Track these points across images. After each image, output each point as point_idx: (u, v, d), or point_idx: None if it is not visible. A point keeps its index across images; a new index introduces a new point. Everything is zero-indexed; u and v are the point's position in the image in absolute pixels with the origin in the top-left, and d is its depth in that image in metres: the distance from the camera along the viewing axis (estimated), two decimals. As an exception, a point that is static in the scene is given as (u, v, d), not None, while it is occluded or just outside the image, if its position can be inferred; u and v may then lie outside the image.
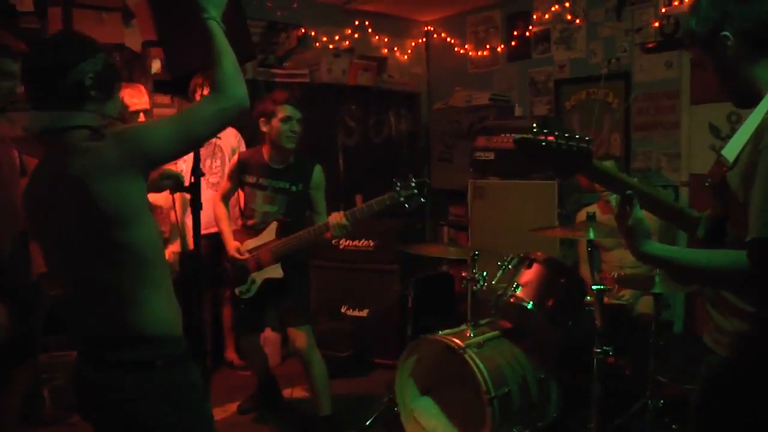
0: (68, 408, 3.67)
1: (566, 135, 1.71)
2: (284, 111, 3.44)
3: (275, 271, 3.50)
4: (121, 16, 4.54)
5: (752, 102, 1.65)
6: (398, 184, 3.25)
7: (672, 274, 2.04)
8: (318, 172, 3.59)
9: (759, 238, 1.48)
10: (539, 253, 3.51)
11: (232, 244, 3.54)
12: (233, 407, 4.07)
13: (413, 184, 3.23)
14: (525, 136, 1.74)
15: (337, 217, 3.28)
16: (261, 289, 3.53)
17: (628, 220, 1.68)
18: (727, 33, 1.64)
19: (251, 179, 3.56)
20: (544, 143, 1.71)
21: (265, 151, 3.55)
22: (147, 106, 3.85)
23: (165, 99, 4.75)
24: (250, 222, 3.59)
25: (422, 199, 3.24)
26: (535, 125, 1.77)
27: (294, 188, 3.53)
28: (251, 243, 3.53)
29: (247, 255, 3.50)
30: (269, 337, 4.74)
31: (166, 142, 1.75)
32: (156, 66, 4.60)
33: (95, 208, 1.65)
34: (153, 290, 1.78)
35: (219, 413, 3.88)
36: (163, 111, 4.68)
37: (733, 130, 1.69)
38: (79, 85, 1.74)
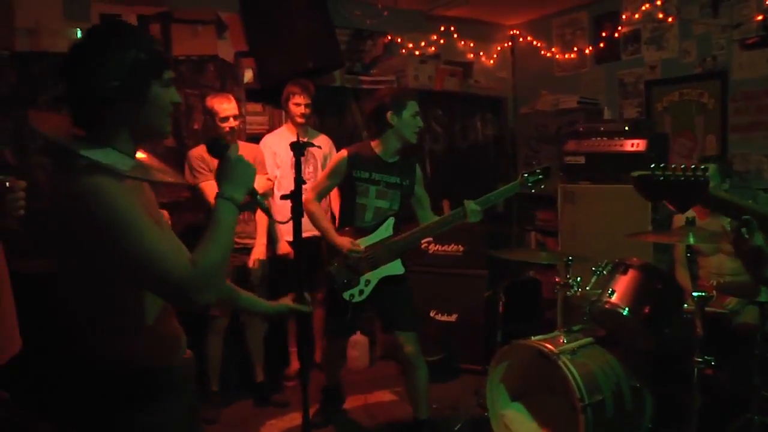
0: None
1: (683, 167, 1.72)
2: (415, 106, 3.46)
3: (396, 267, 3.47)
4: (214, 29, 4.71)
5: None
6: (525, 173, 3.52)
7: None
8: (418, 168, 3.64)
9: None
10: (635, 259, 3.42)
11: (341, 240, 3.39)
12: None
13: (538, 171, 3.52)
14: (643, 173, 1.77)
15: (472, 204, 3.34)
16: (375, 290, 3.45)
17: (746, 246, 1.66)
18: None
19: (364, 174, 3.46)
20: (662, 178, 1.73)
21: (375, 146, 3.50)
22: (236, 111, 3.97)
23: (257, 107, 4.90)
24: (361, 220, 3.49)
25: (542, 185, 3.55)
26: (653, 164, 1.78)
27: (405, 183, 3.52)
28: (364, 241, 3.42)
29: (363, 249, 3.39)
30: (359, 340, 4.81)
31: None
32: (248, 76, 4.78)
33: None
34: (115, 317, 1.59)
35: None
36: (255, 119, 4.84)
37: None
38: (100, 97, 1.52)
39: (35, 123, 2.36)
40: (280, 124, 4.66)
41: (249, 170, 1.69)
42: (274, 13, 4.59)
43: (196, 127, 4.47)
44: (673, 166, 1.74)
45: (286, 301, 2.16)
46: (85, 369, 1.59)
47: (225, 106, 3.89)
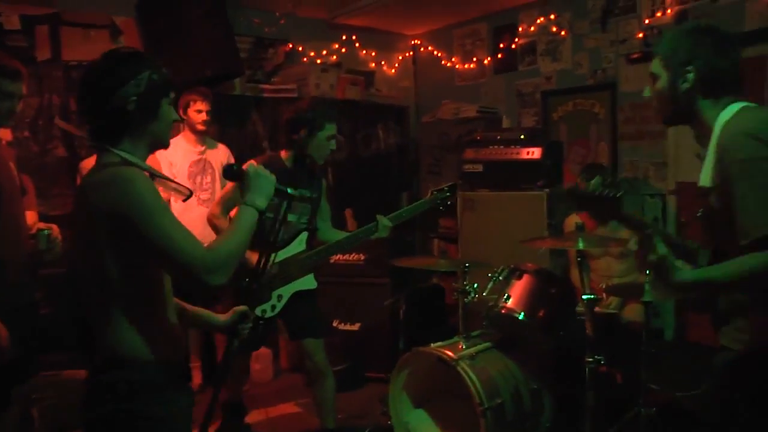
0: (58, 428, 3.63)
1: (608, 182, 2.05)
2: (332, 129, 3.38)
3: (309, 282, 3.44)
4: (109, 34, 4.56)
5: (667, 122, 2.12)
6: (434, 190, 3.67)
7: (709, 292, 2.11)
8: (323, 180, 3.62)
9: (760, 237, 1.68)
10: (529, 264, 3.51)
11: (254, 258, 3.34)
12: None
13: (446, 188, 3.68)
14: (571, 185, 2.17)
15: (384, 220, 3.38)
16: (287, 304, 3.38)
17: (651, 256, 1.80)
18: (690, 69, 1.93)
19: None
20: (589, 190, 2.18)
21: (285, 158, 3.41)
22: None
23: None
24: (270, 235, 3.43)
25: (449, 202, 3.71)
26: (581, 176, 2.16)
27: (314, 195, 3.43)
28: (277, 256, 3.30)
29: (275, 269, 3.29)
30: (262, 352, 4.73)
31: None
32: (144, 83, 4.61)
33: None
34: (127, 310, 1.73)
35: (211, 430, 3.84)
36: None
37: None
38: (119, 110, 1.73)
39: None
40: (175, 134, 4.52)
41: (269, 181, 1.93)
42: (172, 19, 4.46)
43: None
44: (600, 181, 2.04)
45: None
46: (109, 361, 1.73)
47: None
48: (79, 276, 1.79)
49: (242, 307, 2.18)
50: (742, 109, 1.89)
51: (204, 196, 4.31)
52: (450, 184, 3.71)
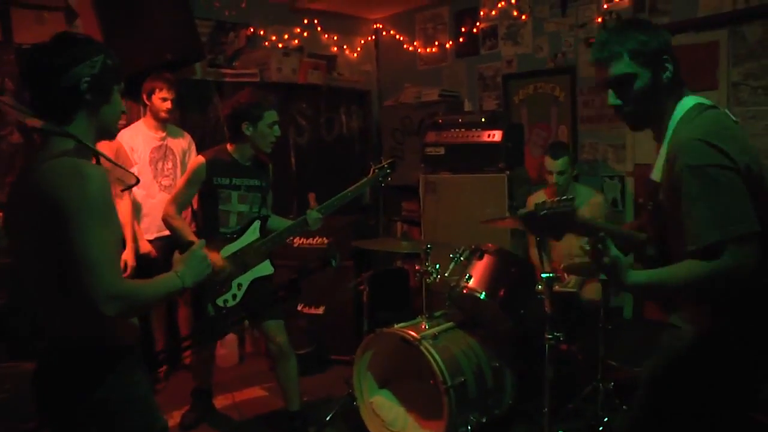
0: (15, 421, 3.55)
1: (553, 200, 2.15)
2: (273, 116, 3.39)
3: (266, 268, 3.48)
4: (63, 16, 4.46)
5: (643, 127, 2.01)
6: (375, 168, 3.68)
7: (658, 293, 2.17)
8: (271, 168, 3.64)
9: (705, 245, 1.72)
10: (490, 245, 3.57)
11: (213, 256, 3.24)
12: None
13: (386, 165, 3.70)
14: (526, 210, 2.31)
15: (313, 213, 3.41)
16: (247, 292, 3.42)
17: (604, 258, 1.81)
18: (667, 57, 1.90)
19: (224, 180, 3.39)
20: (543, 212, 2.13)
21: (232, 151, 3.44)
22: None
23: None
24: (225, 226, 3.42)
25: (389, 178, 3.74)
26: (535, 203, 2.21)
27: (263, 184, 3.52)
28: (233, 247, 3.39)
29: (226, 263, 3.32)
30: (228, 338, 4.73)
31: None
32: (102, 67, 4.53)
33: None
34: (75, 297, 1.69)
35: (178, 417, 3.84)
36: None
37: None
38: (72, 89, 1.71)
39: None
40: (136, 119, 4.47)
41: (206, 266, 1.90)
42: (130, 2, 4.39)
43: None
44: (545, 201, 2.15)
45: None
46: (70, 348, 1.73)
47: None
48: (24, 263, 1.77)
49: None
50: (696, 107, 1.88)
51: (165, 182, 4.27)
52: (390, 160, 3.76)
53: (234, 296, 3.39)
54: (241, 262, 3.38)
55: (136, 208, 4.17)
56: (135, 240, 4.08)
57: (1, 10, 4.22)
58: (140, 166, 4.17)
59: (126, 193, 3.97)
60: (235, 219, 3.44)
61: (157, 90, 4.15)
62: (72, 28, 4.50)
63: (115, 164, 1.96)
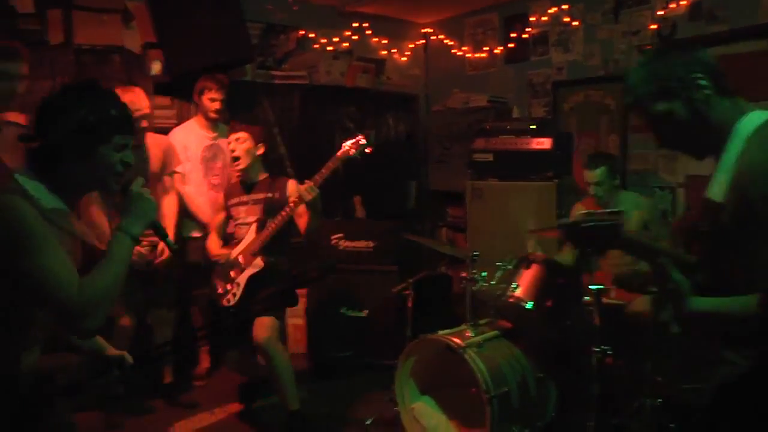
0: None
1: (600, 212, 1.91)
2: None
3: (255, 265, 3.60)
4: (120, 18, 4.56)
5: (711, 149, 1.75)
6: (348, 142, 3.65)
7: (718, 326, 1.86)
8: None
9: None
10: (538, 254, 3.53)
11: (217, 253, 3.78)
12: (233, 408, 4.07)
13: (362, 138, 3.71)
14: (566, 221, 2.05)
15: (302, 187, 3.45)
16: (245, 291, 3.60)
17: (668, 284, 1.71)
18: (697, 74, 1.71)
19: (234, 200, 3.79)
20: (587, 225, 1.88)
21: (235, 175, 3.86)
22: (148, 110, 3.82)
23: (165, 101, 4.77)
24: (236, 236, 3.76)
25: (366, 150, 3.70)
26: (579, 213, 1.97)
27: (272, 195, 3.72)
28: (234, 251, 3.68)
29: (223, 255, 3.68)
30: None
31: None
32: (156, 68, 4.63)
33: None
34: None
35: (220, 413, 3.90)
36: (163, 112, 4.71)
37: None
38: (51, 148, 1.67)
39: None
40: (188, 118, 4.55)
41: (150, 205, 1.78)
42: (184, 4, 4.48)
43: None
44: (591, 212, 1.90)
45: None
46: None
47: (136, 106, 3.63)
48: None
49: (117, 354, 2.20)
50: None
51: (215, 181, 4.34)
52: (365, 132, 3.97)
53: (234, 295, 3.61)
54: (237, 264, 3.65)
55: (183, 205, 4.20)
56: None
57: (64, 13, 4.33)
58: (192, 164, 4.24)
59: (173, 188, 4.04)
60: (245, 229, 3.76)
61: (207, 90, 4.21)
62: (128, 29, 4.61)
63: (57, 225, 1.70)
